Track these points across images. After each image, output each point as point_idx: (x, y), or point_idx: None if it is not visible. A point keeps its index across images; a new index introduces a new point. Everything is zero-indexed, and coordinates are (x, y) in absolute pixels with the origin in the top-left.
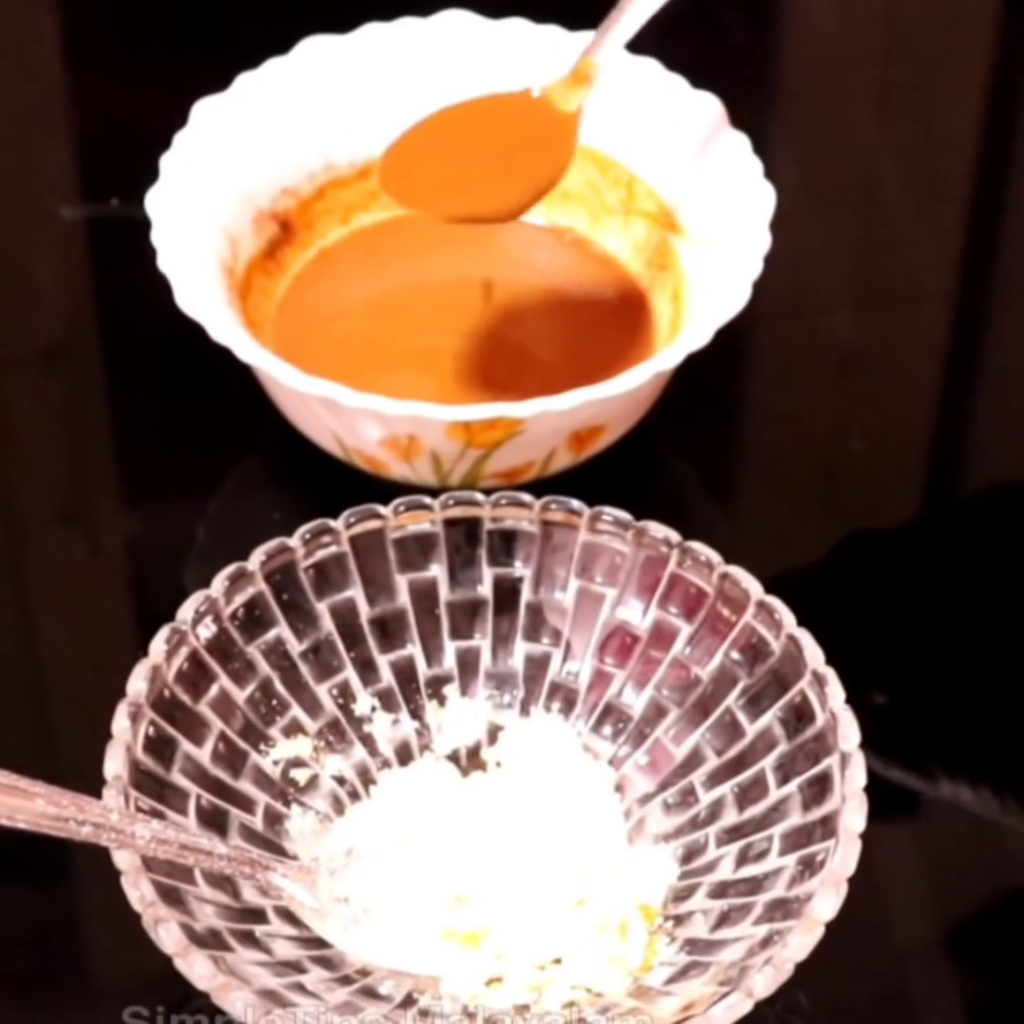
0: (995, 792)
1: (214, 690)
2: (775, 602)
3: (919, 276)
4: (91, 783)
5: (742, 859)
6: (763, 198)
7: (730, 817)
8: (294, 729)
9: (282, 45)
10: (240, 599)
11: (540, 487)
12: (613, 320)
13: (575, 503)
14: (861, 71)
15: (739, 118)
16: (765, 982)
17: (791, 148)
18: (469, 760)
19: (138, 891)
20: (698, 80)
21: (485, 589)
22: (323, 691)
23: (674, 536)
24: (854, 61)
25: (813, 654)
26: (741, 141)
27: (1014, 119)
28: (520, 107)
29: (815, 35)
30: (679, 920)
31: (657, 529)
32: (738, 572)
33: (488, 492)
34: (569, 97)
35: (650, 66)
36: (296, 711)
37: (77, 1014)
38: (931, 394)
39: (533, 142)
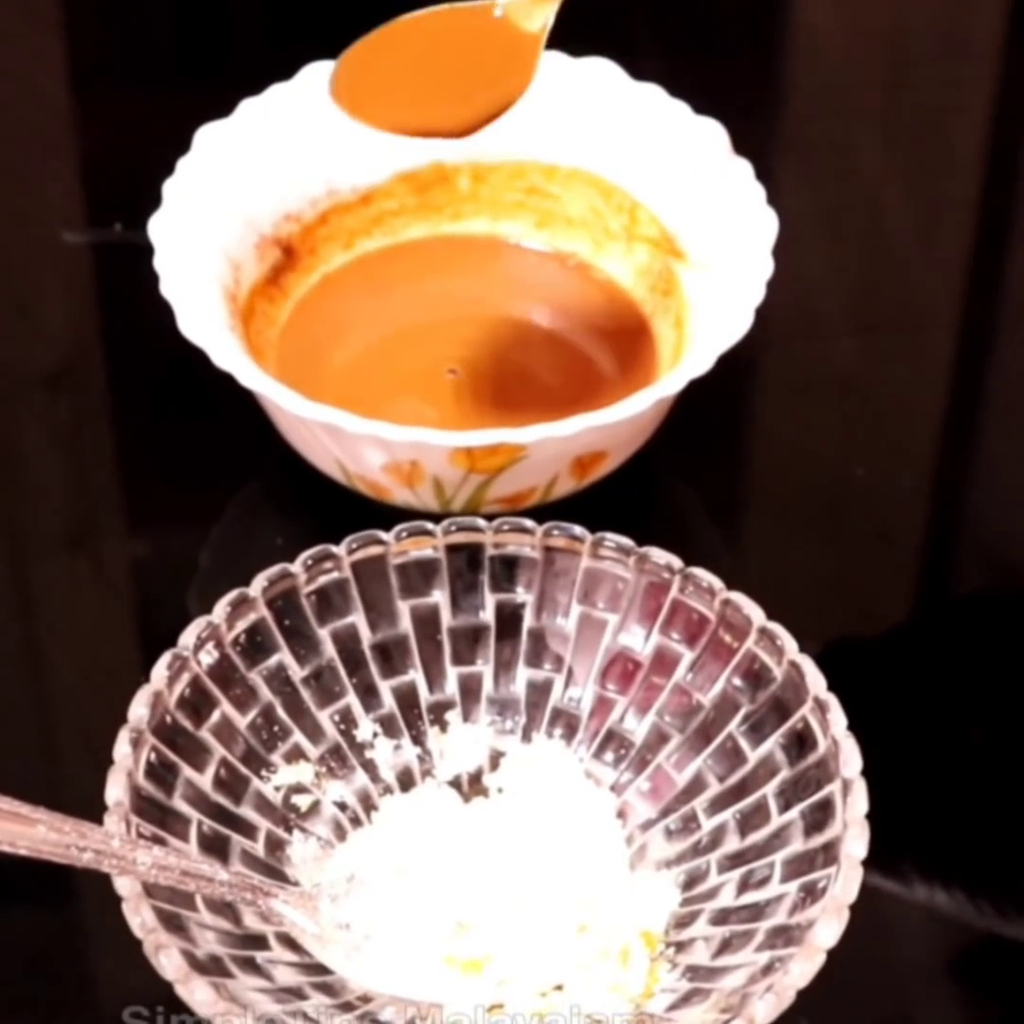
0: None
1: (216, 716)
2: (777, 628)
3: (923, 302)
4: (93, 809)
5: (744, 886)
6: (766, 224)
7: (732, 843)
8: (296, 755)
9: (285, 71)
10: (242, 625)
11: (542, 513)
12: (615, 346)
13: (577, 529)
14: (866, 97)
15: (743, 143)
16: (767, 1009)
17: (795, 174)
18: (471, 786)
19: (139, 917)
20: (702, 105)
21: (487, 615)
22: (325, 717)
23: (676, 562)
24: (859, 87)
25: (815, 681)
26: (744, 167)
27: (1020, 145)
28: (481, 22)
29: (819, 60)
30: (681, 947)
31: (659, 555)
32: (740, 598)
33: (490, 518)
34: (533, 14)
35: (653, 92)
36: (298, 737)
37: (77, 1014)
38: (935, 420)
39: (493, 59)
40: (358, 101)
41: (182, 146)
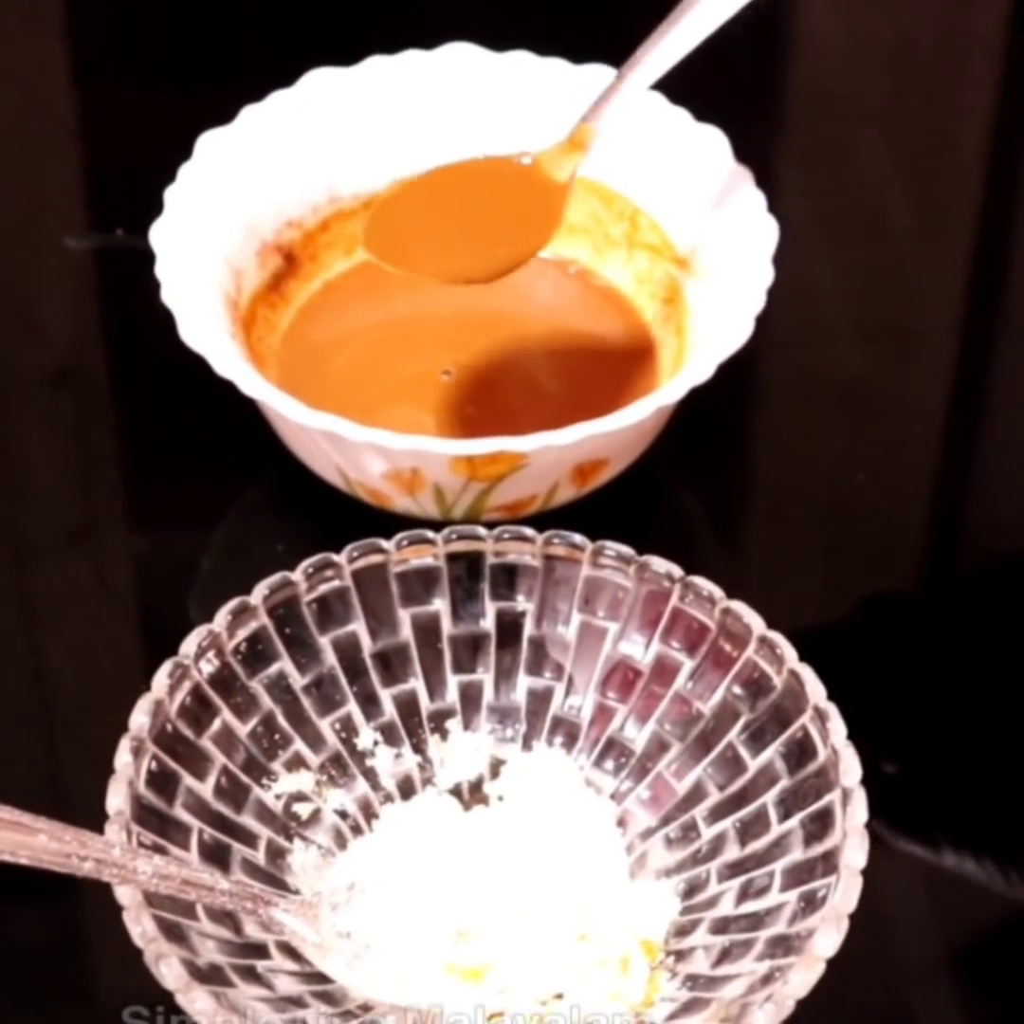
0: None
1: (216, 724)
2: (777, 637)
3: (925, 308)
4: (94, 818)
5: (743, 895)
6: (767, 232)
7: (732, 852)
8: (296, 763)
9: (287, 78)
10: (243, 633)
11: (543, 520)
12: (616, 353)
13: (577, 537)
14: (868, 101)
15: (745, 149)
16: (766, 1019)
17: (797, 179)
18: (471, 794)
19: (140, 927)
20: (704, 111)
21: (488, 623)
22: (325, 725)
23: (676, 571)
24: (861, 92)
25: (815, 690)
26: (745, 174)
27: (1022, 149)
28: (511, 172)
29: (822, 65)
30: (680, 955)
31: (659, 563)
32: (740, 607)
33: (491, 525)
34: (562, 164)
35: (654, 99)
36: (298, 745)
37: (78, 1014)
38: (936, 426)
39: (521, 209)
40: (389, 250)
41: (184, 153)
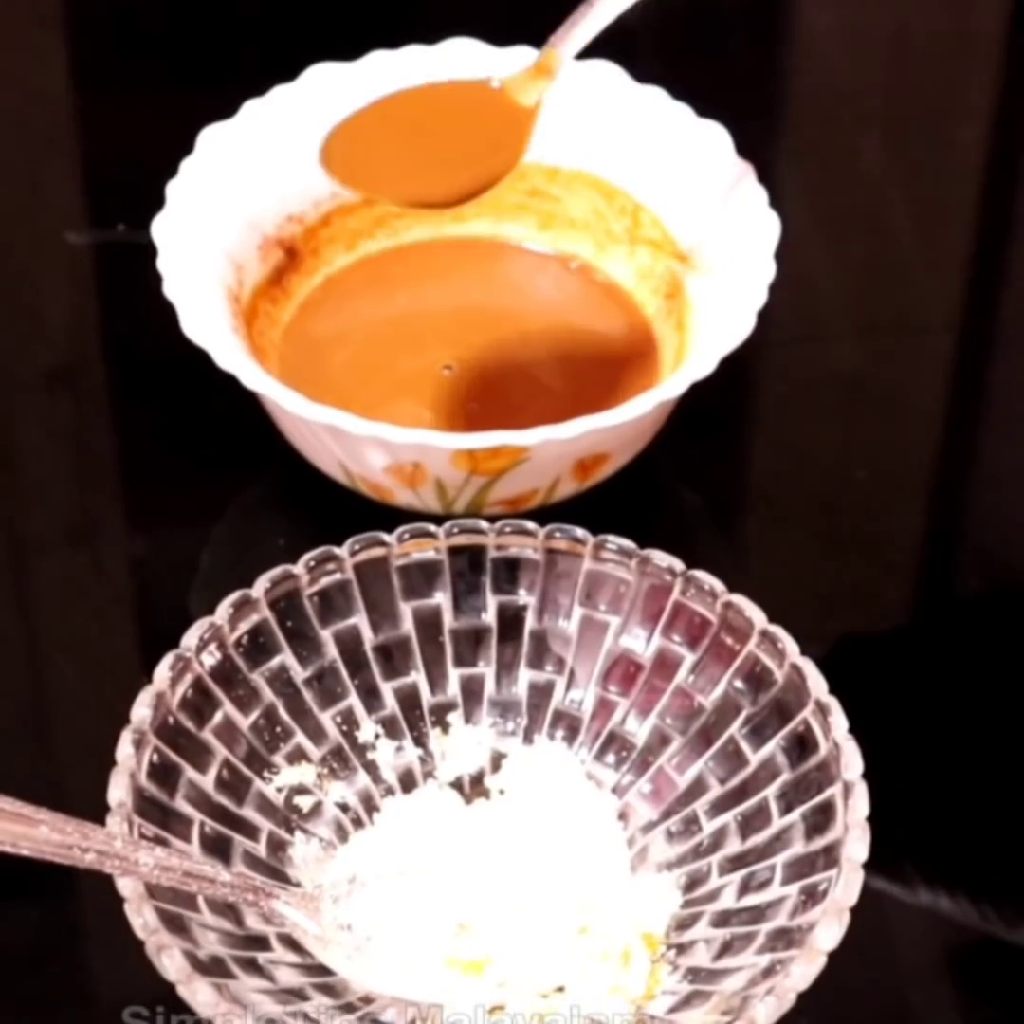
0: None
1: (218, 717)
2: (778, 631)
3: (925, 305)
4: (95, 810)
5: (745, 888)
6: (769, 227)
7: (733, 846)
8: (298, 756)
9: (289, 72)
10: (244, 626)
11: (544, 515)
12: (618, 348)
13: (579, 531)
14: (868, 99)
15: (745, 146)
16: (767, 1011)
17: (797, 176)
18: (472, 788)
19: (141, 918)
20: (704, 108)
21: (489, 617)
22: (327, 718)
23: (678, 565)
24: (860, 89)
25: (816, 683)
26: (747, 170)
27: (1022, 148)
28: (477, 96)
29: (821, 63)
30: (681, 949)
31: (661, 558)
32: (741, 601)
33: (492, 520)
34: (529, 89)
35: (656, 95)
36: (300, 738)
37: (78, 1014)
38: (936, 423)
39: (487, 132)
40: (350, 171)
41: (185, 147)
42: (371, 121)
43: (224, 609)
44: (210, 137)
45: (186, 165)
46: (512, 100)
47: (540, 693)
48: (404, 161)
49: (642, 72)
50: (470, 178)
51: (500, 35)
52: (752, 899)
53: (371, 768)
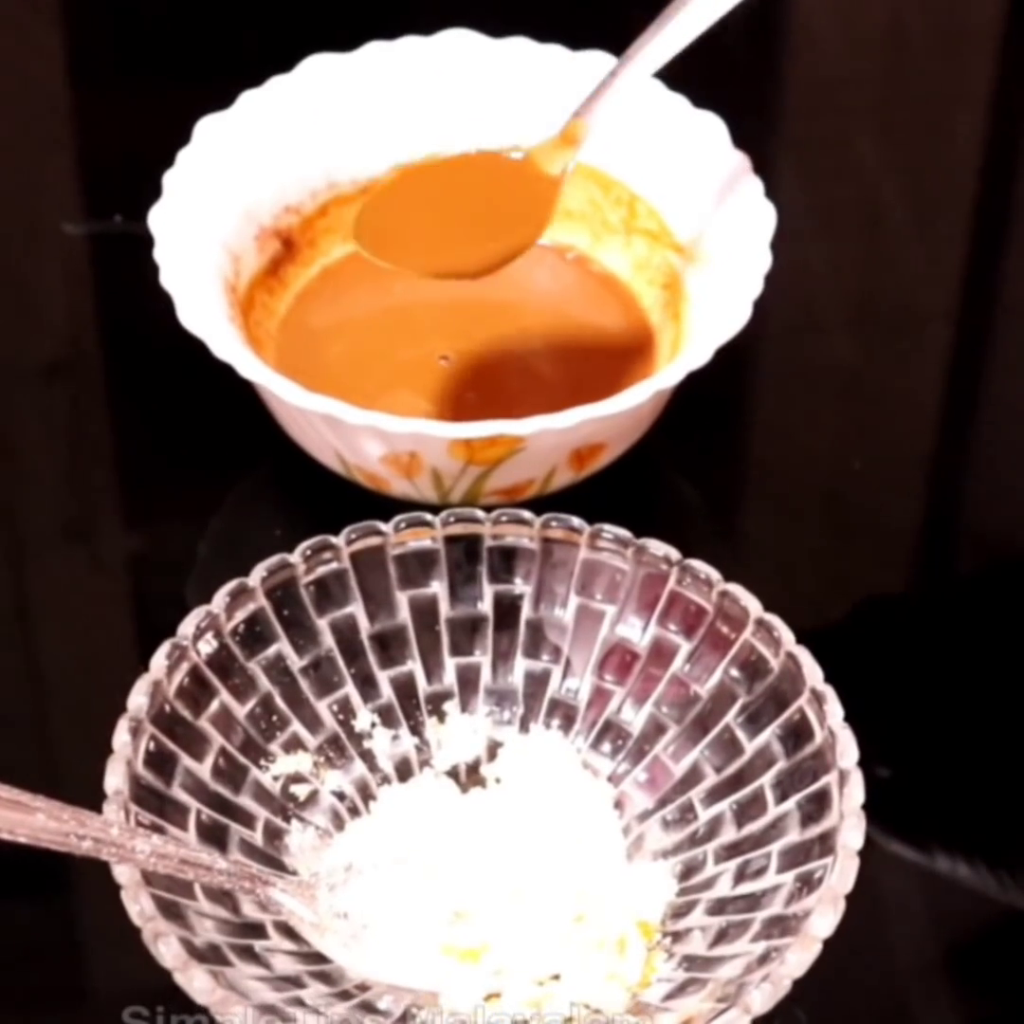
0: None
1: (215, 705)
2: (774, 620)
3: (922, 296)
4: (92, 798)
5: (740, 876)
6: (764, 218)
7: (728, 834)
8: (294, 745)
9: (285, 63)
10: (241, 615)
11: (541, 504)
12: (614, 339)
13: (575, 520)
14: (864, 90)
15: (742, 137)
16: (763, 999)
17: (794, 167)
18: (469, 776)
19: (138, 905)
20: (701, 99)
21: (485, 606)
22: (323, 707)
23: (674, 554)
24: (857, 80)
25: (812, 672)
26: (742, 161)
27: (1018, 139)
28: (503, 167)
29: (818, 54)
30: (677, 936)
31: (657, 547)
32: (737, 590)
33: (489, 509)
34: (555, 159)
35: (652, 86)
36: (296, 727)
37: (77, 1014)
38: (932, 413)
39: (513, 203)
40: (380, 244)
41: (182, 138)
42: (400, 193)
43: (221, 598)
44: (207, 128)
45: (183, 156)
46: (537, 170)
47: (536, 682)
48: (431, 233)
49: None
50: (495, 250)
51: (496, 26)
52: (747, 887)
53: (367, 757)
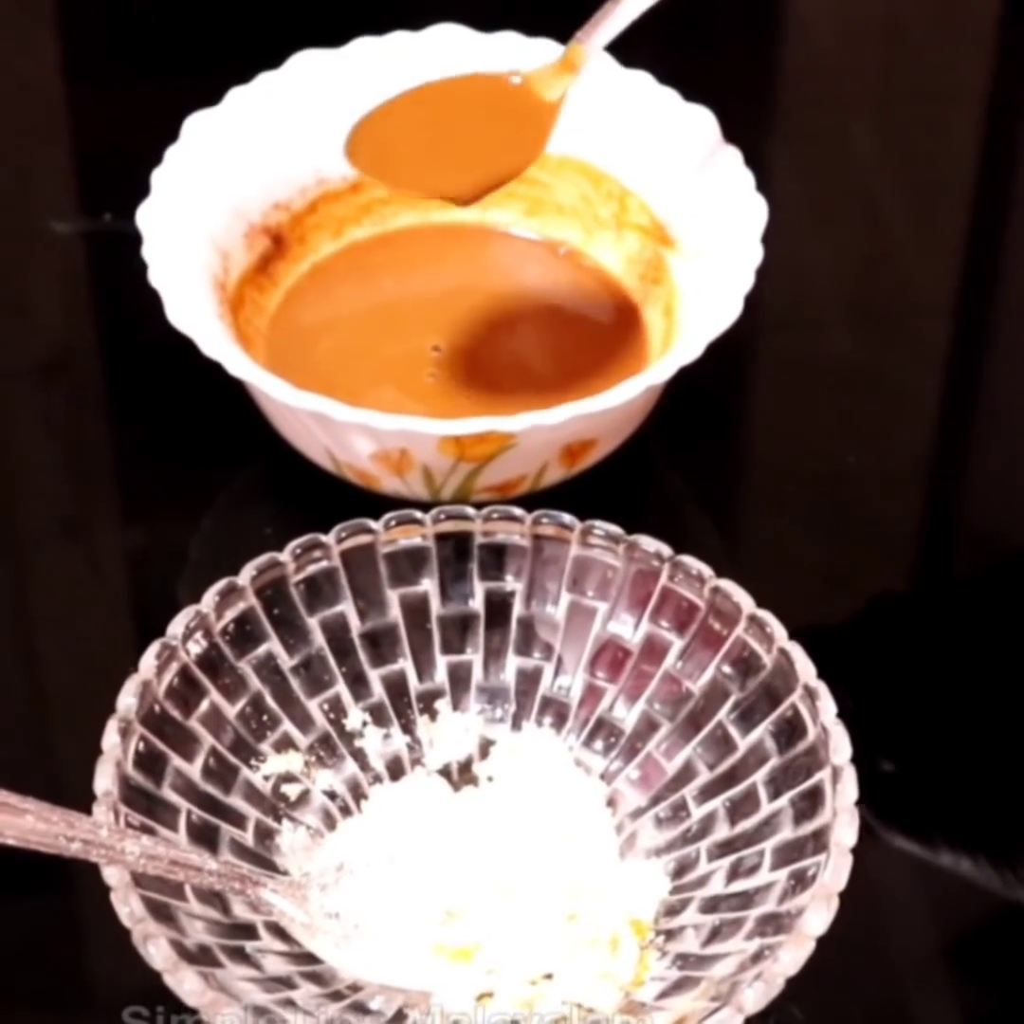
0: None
1: (205, 705)
2: (766, 616)
3: (917, 290)
4: (81, 799)
5: (733, 873)
6: (755, 212)
7: (722, 831)
8: (285, 744)
9: (274, 59)
10: (231, 614)
11: (532, 501)
12: (605, 334)
13: (566, 517)
14: (859, 83)
15: (737, 130)
16: (756, 997)
17: (789, 161)
18: (461, 775)
19: (128, 907)
20: (696, 92)
21: (476, 603)
22: (314, 706)
23: (666, 550)
24: (852, 73)
25: (805, 668)
26: (734, 154)
27: (1014, 132)
28: (500, 90)
29: (813, 47)
30: (670, 935)
31: (648, 543)
32: (729, 586)
33: (480, 506)
34: (552, 85)
35: (643, 79)
36: (287, 726)
37: (77, 1014)
38: (927, 408)
39: (509, 127)
40: (373, 162)
41: (171, 135)
42: (395, 114)
43: (210, 597)
44: (195, 125)
45: (171, 153)
46: (534, 95)
47: (528, 680)
48: (427, 154)
49: (629, 57)
50: (489, 173)
51: (486, 21)
52: (741, 885)
53: (359, 756)
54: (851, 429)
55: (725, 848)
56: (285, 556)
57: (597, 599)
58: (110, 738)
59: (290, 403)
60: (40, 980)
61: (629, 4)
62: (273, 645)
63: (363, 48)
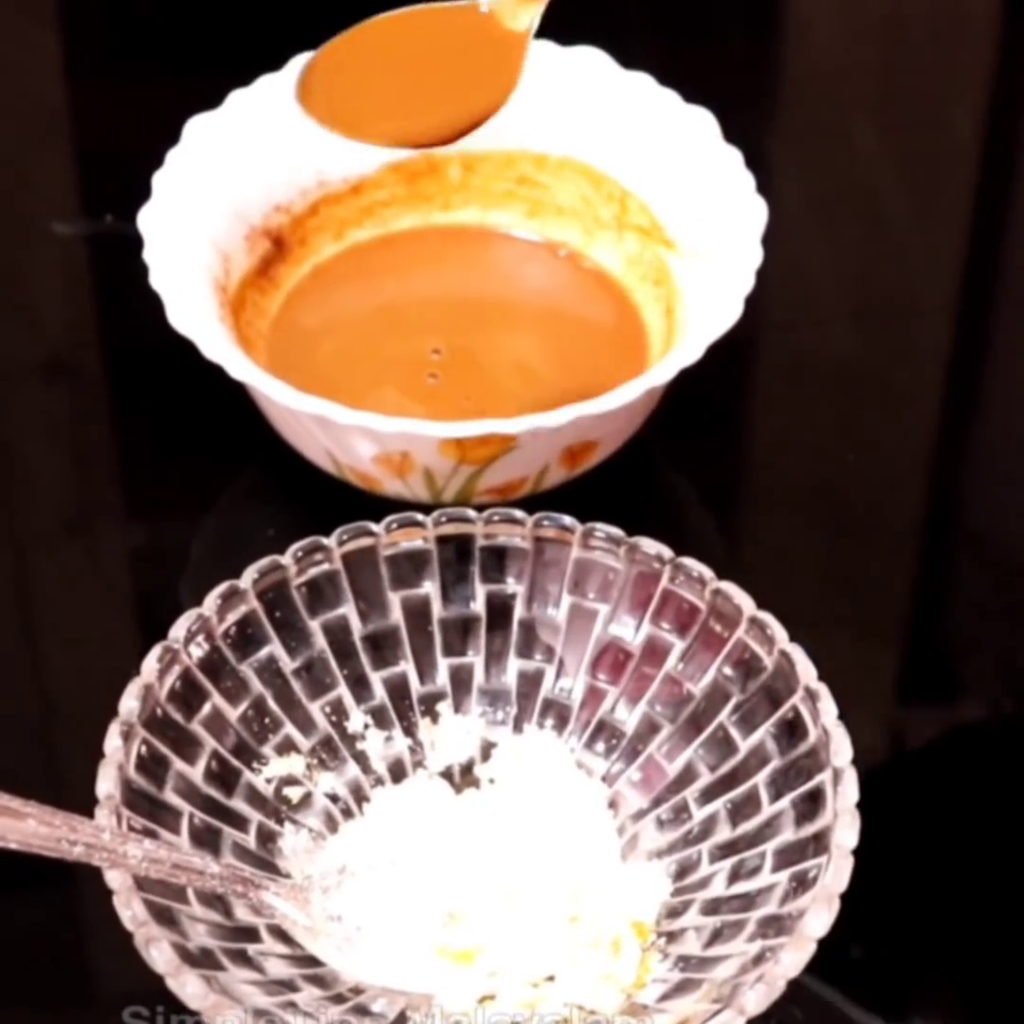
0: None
1: (206, 708)
2: (767, 618)
3: (918, 289)
4: (83, 802)
5: (735, 875)
6: (755, 213)
7: (723, 833)
8: (287, 747)
9: (275, 62)
10: (232, 617)
11: (534, 503)
12: (606, 335)
13: (567, 519)
14: (860, 82)
15: (737, 131)
16: (757, 999)
17: (790, 160)
18: (462, 777)
19: (130, 911)
20: (696, 92)
21: (478, 606)
22: (316, 709)
23: (666, 552)
24: (853, 72)
25: (805, 670)
26: (734, 156)
27: (1015, 131)
28: (464, 21)
29: (814, 46)
30: (672, 937)
31: (649, 545)
32: (730, 588)
33: (481, 508)
34: (519, 14)
35: (643, 81)
36: (289, 729)
37: (77, 1014)
38: (928, 407)
39: (477, 62)
40: (330, 110)
41: (172, 137)
42: (350, 52)
43: (212, 600)
44: (196, 127)
45: (172, 155)
46: (500, 25)
47: (529, 682)
48: (389, 97)
49: (630, 58)
50: (459, 115)
51: None
52: (742, 886)
53: (361, 758)
54: (852, 430)
55: (726, 850)
56: (287, 559)
57: (598, 601)
58: (112, 741)
59: (291, 406)
60: (41, 980)
61: None
62: (275, 648)
63: None
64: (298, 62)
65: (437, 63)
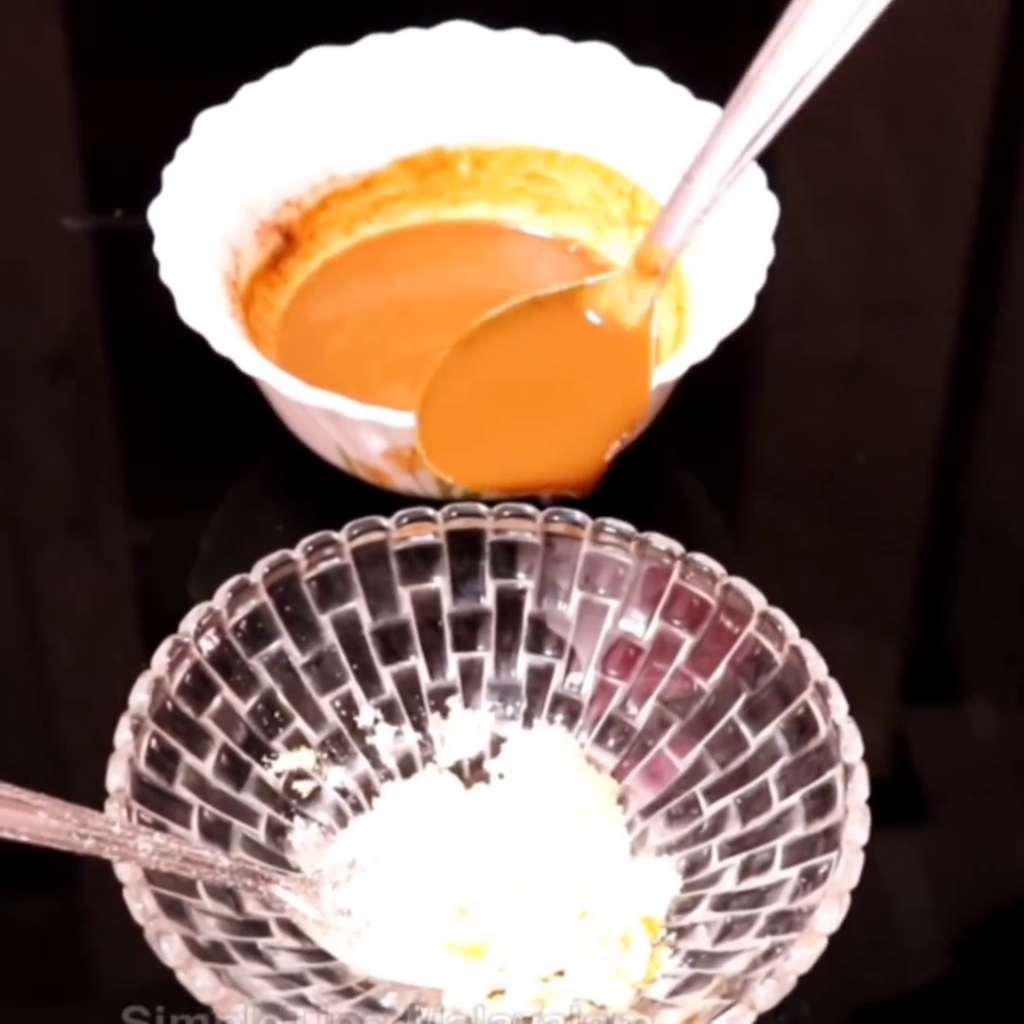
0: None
1: (217, 702)
2: (778, 613)
3: (925, 287)
4: (94, 796)
5: (745, 871)
6: (766, 209)
7: (733, 829)
8: (297, 741)
9: (285, 57)
10: (243, 611)
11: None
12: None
13: (578, 515)
14: (868, 81)
15: None
16: (767, 994)
17: (797, 158)
18: (472, 772)
19: (140, 904)
20: (704, 89)
21: (488, 601)
22: (326, 703)
23: (677, 548)
24: (860, 69)
25: (816, 666)
26: None
27: (1021, 130)
28: (570, 326)
29: None
30: (682, 932)
31: (660, 540)
32: (741, 584)
33: (492, 503)
34: (635, 298)
35: (654, 77)
36: (299, 723)
37: (77, 1014)
38: (936, 405)
39: (597, 375)
40: (458, 464)
41: (182, 132)
42: (458, 393)
43: (222, 594)
44: (207, 122)
45: (182, 150)
46: (617, 324)
47: (539, 677)
48: (513, 443)
49: (640, 54)
50: (594, 443)
51: (497, 18)
52: (752, 882)
53: (370, 753)
54: (861, 426)
55: (736, 846)
56: (297, 553)
57: (608, 597)
58: (122, 735)
59: (301, 400)
60: (41, 979)
61: (698, 194)
62: (285, 642)
63: (374, 45)
64: (311, 56)
65: (553, 389)
